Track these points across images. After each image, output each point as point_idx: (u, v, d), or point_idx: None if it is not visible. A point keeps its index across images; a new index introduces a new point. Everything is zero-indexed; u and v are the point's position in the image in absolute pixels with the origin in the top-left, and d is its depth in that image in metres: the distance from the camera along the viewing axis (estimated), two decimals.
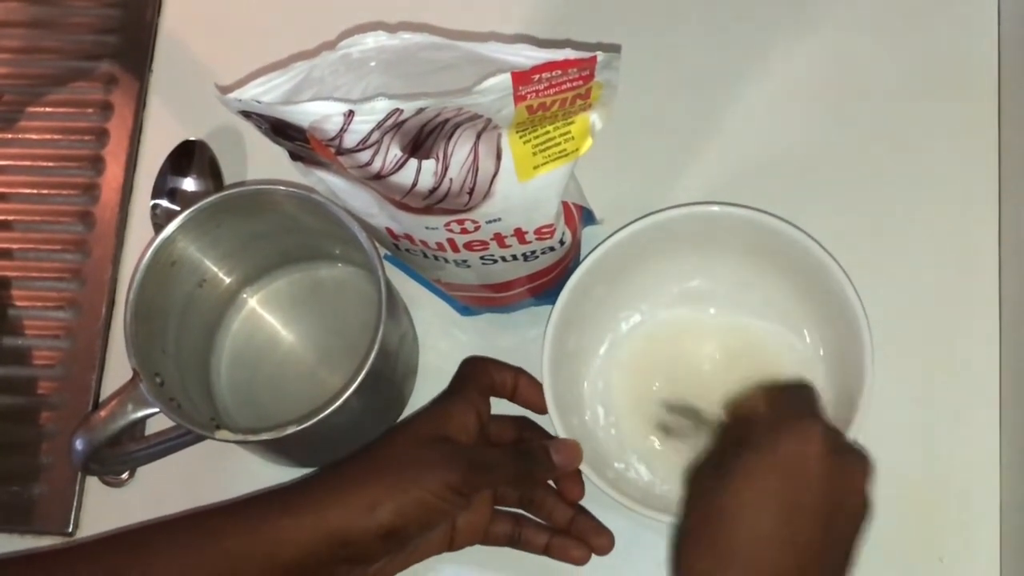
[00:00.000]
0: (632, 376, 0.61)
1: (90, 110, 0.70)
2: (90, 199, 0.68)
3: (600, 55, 0.45)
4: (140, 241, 0.65)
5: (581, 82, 0.46)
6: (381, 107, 0.45)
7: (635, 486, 0.59)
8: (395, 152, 0.47)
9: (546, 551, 0.58)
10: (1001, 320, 0.61)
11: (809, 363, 0.60)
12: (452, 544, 0.57)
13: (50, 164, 0.69)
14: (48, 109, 0.70)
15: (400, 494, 0.51)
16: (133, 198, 0.68)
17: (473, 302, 0.62)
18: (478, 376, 0.58)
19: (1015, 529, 0.57)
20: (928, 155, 0.65)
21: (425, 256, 0.55)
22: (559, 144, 0.49)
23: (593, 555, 0.58)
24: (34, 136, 0.70)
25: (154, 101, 0.70)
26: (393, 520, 0.51)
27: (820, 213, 0.61)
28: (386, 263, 0.56)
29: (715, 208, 0.59)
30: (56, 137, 0.69)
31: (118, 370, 0.64)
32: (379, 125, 0.46)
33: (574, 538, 0.58)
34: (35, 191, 0.69)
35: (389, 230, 0.54)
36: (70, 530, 0.62)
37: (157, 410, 0.53)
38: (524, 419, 0.59)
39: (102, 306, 0.66)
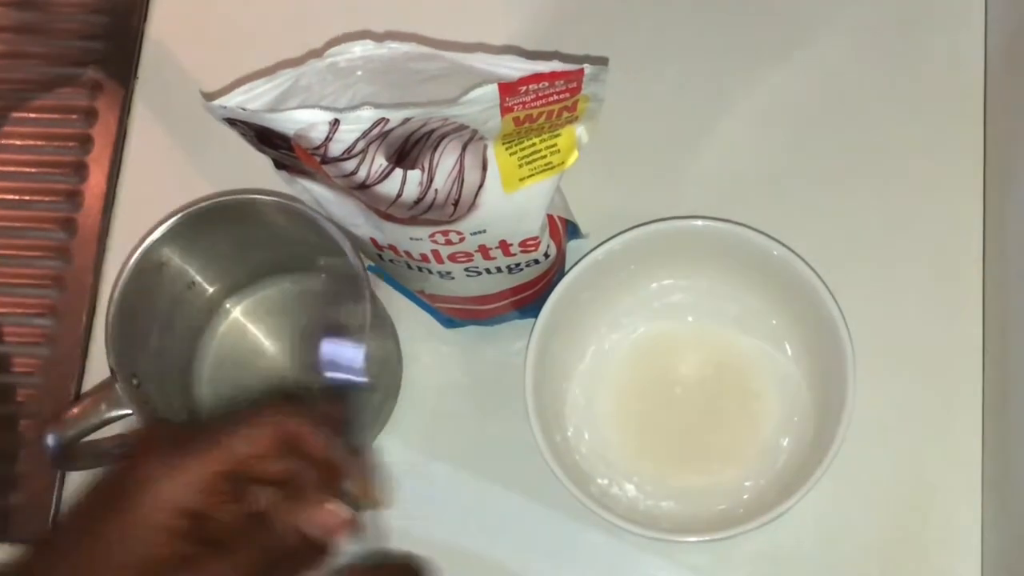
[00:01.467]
0: (614, 391, 0.61)
1: (74, 116, 0.69)
2: (72, 206, 0.68)
3: (588, 68, 0.45)
4: (122, 248, 0.64)
5: (568, 94, 0.46)
6: (367, 116, 0.45)
7: (619, 502, 0.58)
8: (380, 162, 0.47)
9: None
10: (984, 334, 0.61)
11: (791, 377, 0.60)
12: None
13: (33, 170, 0.69)
14: (32, 115, 0.70)
15: None
16: (116, 205, 0.67)
17: (457, 314, 0.62)
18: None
19: (996, 546, 0.57)
20: (912, 170, 0.65)
21: (409, 267, 0.55)
22: (545, 157, 0.49)
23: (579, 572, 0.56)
24: (17, 142, 0.69)
25: (139, 108, 0.69)
26: None
27: (803, 227, 0.61)
28: (370, 274, 0.56)
29: (698, 222, 0.59)
30: (39, 143, 0.69)
31: (98, 378, 0.63)
32: (365, 134, 0.46)
33: None
34: (17, 197, 0.68)
35: (373, 240, 0.54)
36: None
37: (131, 411, 0.53)
38: None
39: (83, 313, 0.65)
